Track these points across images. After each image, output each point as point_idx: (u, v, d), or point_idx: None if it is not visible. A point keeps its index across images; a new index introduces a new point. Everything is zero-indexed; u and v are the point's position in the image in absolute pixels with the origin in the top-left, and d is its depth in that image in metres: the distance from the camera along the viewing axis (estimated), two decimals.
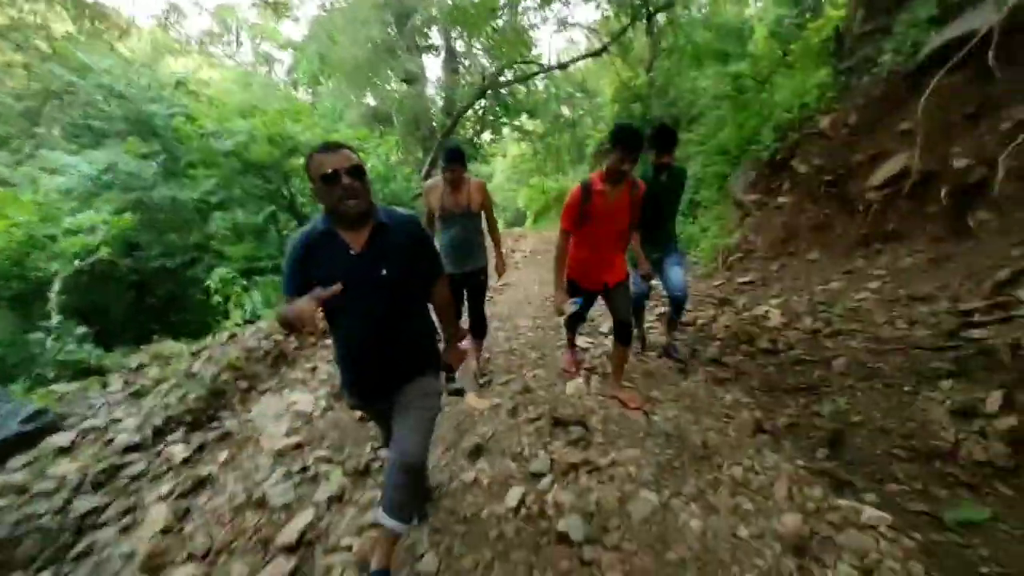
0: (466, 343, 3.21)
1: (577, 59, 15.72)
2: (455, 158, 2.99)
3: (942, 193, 3.30)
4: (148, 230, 7.13)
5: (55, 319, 4.36)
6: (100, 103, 6.77)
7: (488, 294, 4.24)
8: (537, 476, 2.36)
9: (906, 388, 2.42)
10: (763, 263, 4.47)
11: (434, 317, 1.94)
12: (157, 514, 2.40)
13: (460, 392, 3.32)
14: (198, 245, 7.38)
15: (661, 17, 13.05)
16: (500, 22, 13.39)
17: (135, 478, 2.66)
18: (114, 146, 7.32)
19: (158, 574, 2.10)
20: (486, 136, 19.24)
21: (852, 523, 1.78)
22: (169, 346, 4.82)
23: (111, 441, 2.89)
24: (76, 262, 5.17)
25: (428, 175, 13.13)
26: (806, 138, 4.64)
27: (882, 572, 1.57)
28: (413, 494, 1.80)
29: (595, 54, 14.81)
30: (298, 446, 2.95)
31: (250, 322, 5.11)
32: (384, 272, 1.59)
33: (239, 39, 23.25)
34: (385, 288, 1.61)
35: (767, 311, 3.80)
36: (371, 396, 1.78)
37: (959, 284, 2.91)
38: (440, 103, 17.01)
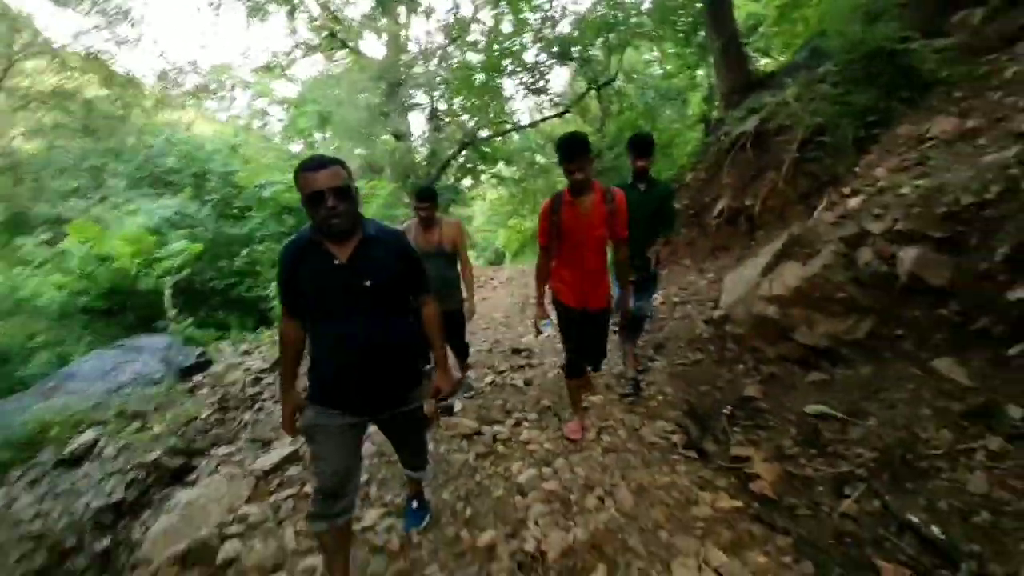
0: (453, 365, 3.09)
1: (545, 119, 18.49)
2: (425, 197, 3.03)
3: (741, 220, 5.61)
4: (200, 258, 9.05)
5: (171, 312, 6.24)
6: (172, 163, 8.82)
7: None
8: (502, 372, 4.37)
9: (695, 319, 4.57)
10: None
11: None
12: None
13: (449, 410, 3.38)
14: (239, 271, 9.29)
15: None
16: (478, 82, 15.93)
17: (270, 384, 4.55)
18: (171, 195, 9.36)
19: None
20: (466, 182, 21.65)
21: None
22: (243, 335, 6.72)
23: (248, 368, 4.81)
24: (167, 278, 7.08)
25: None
26: (682, 187, 7.04)
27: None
28: (425, 460, 2.20)
29: (559, 115, 17.61)
30: None
31: None
32: (368, 283, 1.62)
33: (232, 95, 25.12)
34: (368, 298, 1.63)
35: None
36: (344, 405, 1.71)
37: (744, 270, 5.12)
38: (425, 154, 19.41)
